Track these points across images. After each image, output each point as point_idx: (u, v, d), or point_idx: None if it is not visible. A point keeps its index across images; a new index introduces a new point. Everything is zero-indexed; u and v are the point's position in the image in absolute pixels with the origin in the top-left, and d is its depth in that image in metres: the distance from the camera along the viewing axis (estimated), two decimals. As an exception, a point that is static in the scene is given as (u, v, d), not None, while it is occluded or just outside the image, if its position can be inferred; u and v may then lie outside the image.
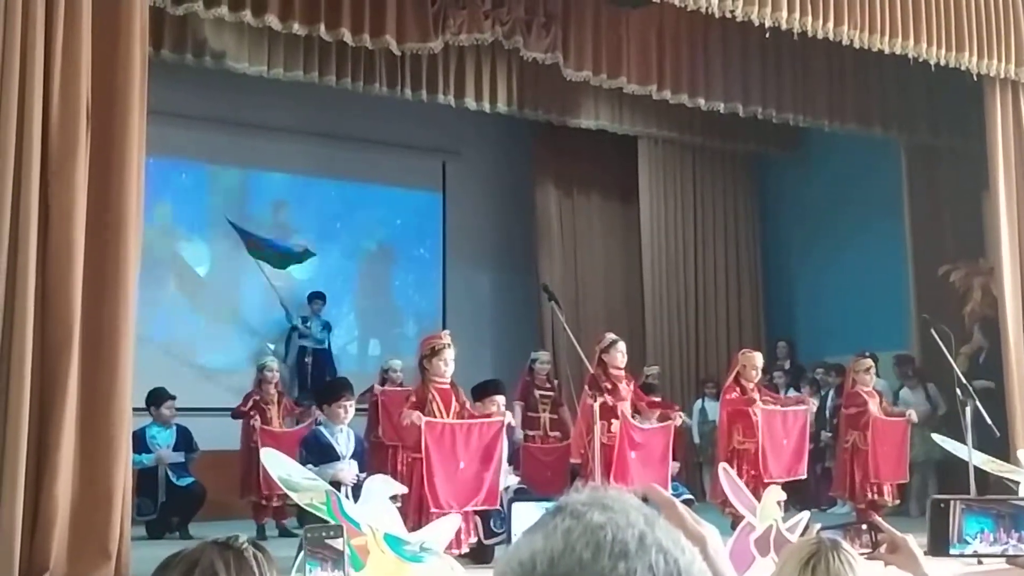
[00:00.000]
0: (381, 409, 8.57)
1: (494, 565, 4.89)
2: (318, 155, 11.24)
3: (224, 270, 10.93)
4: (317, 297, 10.82)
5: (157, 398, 8.29)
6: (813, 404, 8.81)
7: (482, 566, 6.00)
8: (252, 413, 8.31)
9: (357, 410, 8.22)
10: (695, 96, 9.08)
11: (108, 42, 5.30)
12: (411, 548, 4.90)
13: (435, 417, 6.21)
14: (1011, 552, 1.81)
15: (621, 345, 7.51)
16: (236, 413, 8.46)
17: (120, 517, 5.09)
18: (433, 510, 6.01)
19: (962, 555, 1.86)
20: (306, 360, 10.51)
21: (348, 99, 9.68)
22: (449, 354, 6.35)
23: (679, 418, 7.81)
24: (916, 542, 2.02)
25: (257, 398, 8.40)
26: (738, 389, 7.83)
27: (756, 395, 7.76)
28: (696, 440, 10.82)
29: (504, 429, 6.42)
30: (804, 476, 7.99)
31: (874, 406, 8.04)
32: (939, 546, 1.85)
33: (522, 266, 11.99)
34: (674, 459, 8.30)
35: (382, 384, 9.13)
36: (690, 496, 8.24)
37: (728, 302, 12.07)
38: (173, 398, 8.39)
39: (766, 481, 7.50)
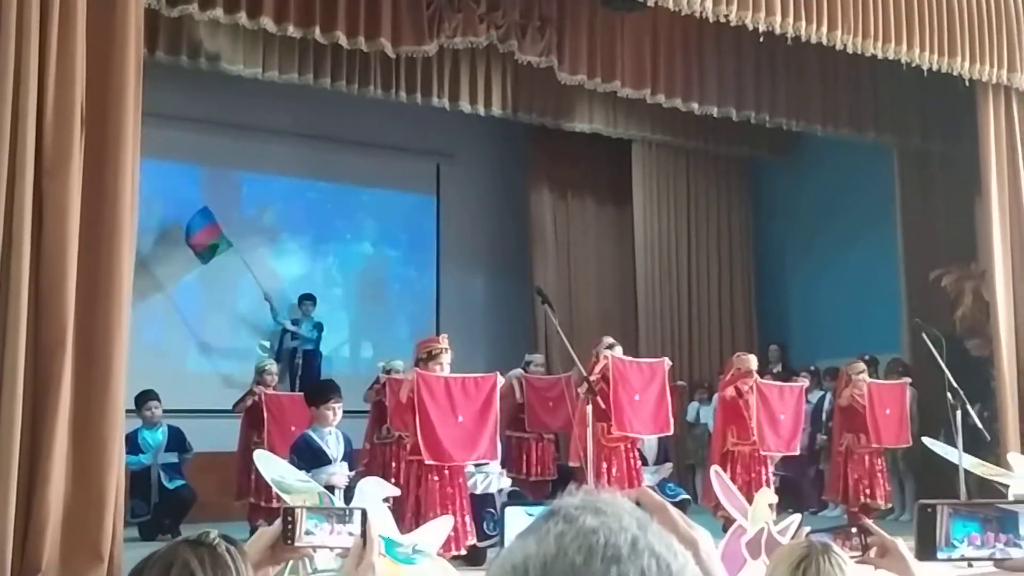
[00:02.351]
0: (388, 393, 8.46)
1: (487, 568, 4.89)
2: (312, 157, 11.24)
3: (217, 272, 10.92)
4: (307, 299, 10.83)
5: (139, 400, 8.26)
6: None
7: (475, 568, 6.01)
8: (255, 390, 8.34)
9: (359, 412, 8.23)
10: (689, 100, 9.11)
11: (103, 44, 5.30)
12: (403, 550, 4.90)
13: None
14: (998, 556, 1.82)
15: (619, 350, 7.55)
16: (238, 404, 8.48)
17: (113, 519, 5.08)
18: (429, 461, 6.08)
19: (950, 559, 1.87)
20: (296, 361, 10.50)
21: (343, 102, 9.68)
22: (446, 358, 6.40)
23: (667, 362, 7.86)
24: (907, 545, 2.04)
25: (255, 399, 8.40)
26: (734, 389, 7.85)
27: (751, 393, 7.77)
28: (689, 441, 10.85)
29: (497, 387, 6.49)
30: (798, 452, 8.09)
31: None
32: (926, 550, 1.86)
33: (516, 269, 12.00)
34: (667, 460, 8.32)
35: (383, 385, 9.05)
36: (687, 496, 8.25)
37: (721, 306, 12.09)
38: (155, 399, 8.35)
39: (763, 454, 7.56)
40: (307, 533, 1.76)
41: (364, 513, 1.77)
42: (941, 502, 1.86)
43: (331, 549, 1.83)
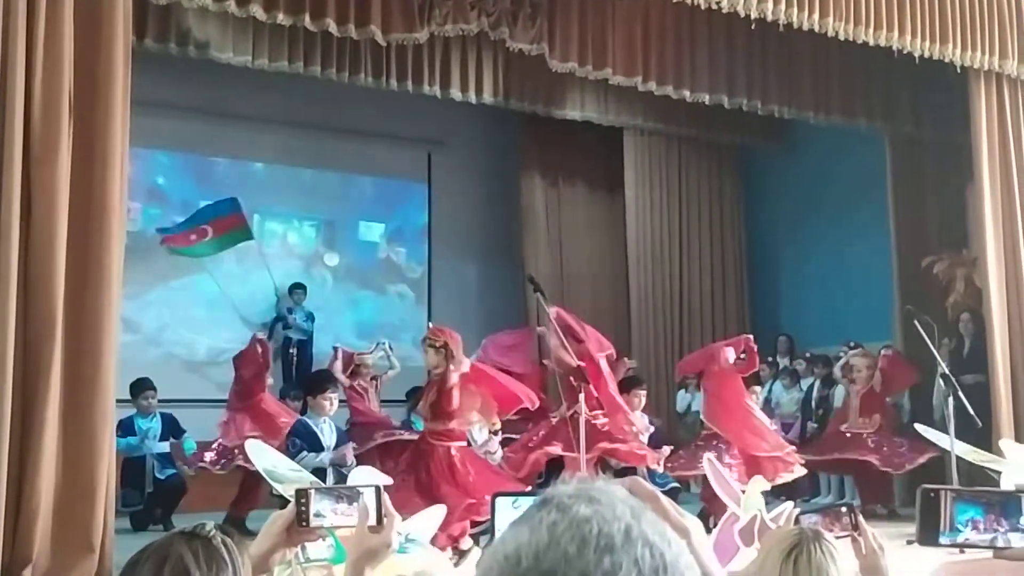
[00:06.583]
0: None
1: (478, 557, 4.89)
2: (303, 146, 11.20)
3: (211, 261, 10.88)
4: (298, 288, 10.81)
5: (135, 388, 8.22)
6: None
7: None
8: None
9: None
10: (680, 87, 9.07)
11: (91, 32, 5.26)
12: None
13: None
14: (999, 543, 1.81)
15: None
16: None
17: (103, 509, 5.07)
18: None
19: (953, 544, 1.86)
20: (291, 351, 10.47)
21: (333, 90, 9.63)
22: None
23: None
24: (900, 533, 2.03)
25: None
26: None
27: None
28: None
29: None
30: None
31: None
32: (929, 535, 1.85)
33: (508, 257, 11.99)
34: (663, 444, 8.31)
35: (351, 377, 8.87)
36: (676, 484, 8.25)
37: (713, 293, 12.11)
38: (152, 388, 8.32)
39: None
40: (317, 515, 1.76)
41: (379, 490, 1.76)
42: (944, 487, 1.85)
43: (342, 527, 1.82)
